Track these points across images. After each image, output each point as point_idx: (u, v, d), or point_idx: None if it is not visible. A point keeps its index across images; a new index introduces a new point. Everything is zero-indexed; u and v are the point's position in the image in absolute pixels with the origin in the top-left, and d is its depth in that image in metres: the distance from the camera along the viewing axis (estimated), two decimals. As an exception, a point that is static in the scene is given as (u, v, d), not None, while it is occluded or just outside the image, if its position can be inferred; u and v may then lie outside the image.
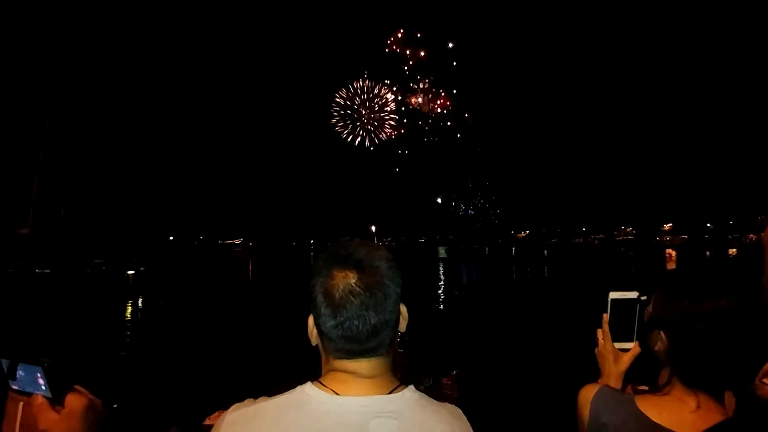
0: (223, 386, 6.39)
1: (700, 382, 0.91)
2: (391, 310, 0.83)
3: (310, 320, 0.86)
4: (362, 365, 0.84)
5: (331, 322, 0.81)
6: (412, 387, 0.86)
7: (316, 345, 0.89)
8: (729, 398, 0.90)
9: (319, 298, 0.82)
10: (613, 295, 1.11)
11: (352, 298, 0.80)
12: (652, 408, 0.92)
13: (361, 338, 0.81)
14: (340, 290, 0.81)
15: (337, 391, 0.81)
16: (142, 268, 23.03)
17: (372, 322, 0.81)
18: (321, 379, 0.85)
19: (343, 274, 0.81)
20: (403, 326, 0.89)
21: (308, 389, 0.83)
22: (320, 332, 0.84)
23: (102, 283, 20.44)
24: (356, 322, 0.80)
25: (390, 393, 0.83)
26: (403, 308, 0.88)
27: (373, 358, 0.84)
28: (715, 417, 0.87)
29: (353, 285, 0.81)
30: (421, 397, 0.85)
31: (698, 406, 0.89)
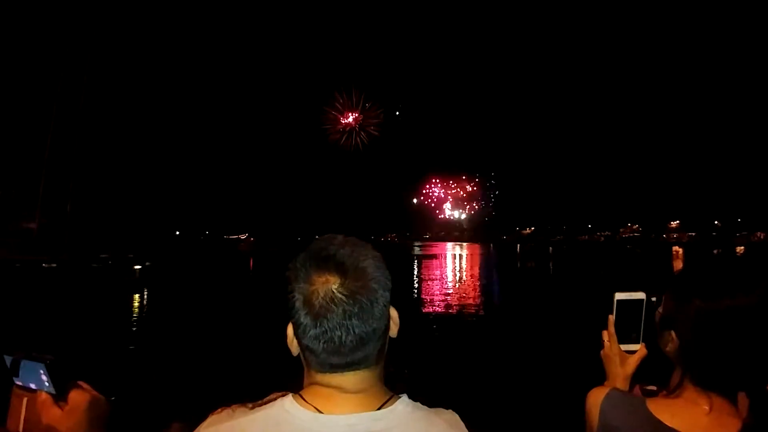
0: (227, 382, 6.44)
1: (713, 383, 0.88)
2: (378, 317, 0.74)
3: (290, 329, 0.78)
4: (348, 379, 0.75)
5: (312, 333, 0.72)
6: (405, 398, 0.78)
7: (298, 355, 0.80)
8: (742, 400, 0.87)
9: (298, 306, 0.73)
10: (619, 295, 1.08)
11: (333, 306, 0.71)
12: (664, 411, 0.90)
13: (345, 350, 0.73)
14: (320, 297, 0.72)
15: (320, 409, 0.73)
16: (148, 263, 23.16)
17: (356, 331, 0.72)
18: (303, 393, 0.77)
19: (324, 278, 0.72)
20: (394, 332, 0.82)
21: (289, 405, 0.75)
22: (300, 343, 0.76)
23: (108, 278, 20.58)
24: (339, 333, 0.71)
25: (379, 408, 0.75)
26: (394, 312, 0.80)
27: (359, 371, 0.76)
28: (728, 419, 0.85)
29: (335, 291, 0.71)
30: (416, 409, 0.77)
31: (711, 409, 0.87)
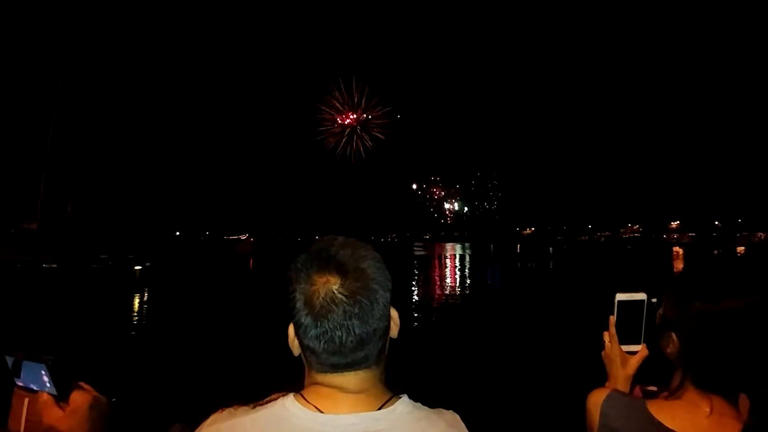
0: (227, 383, 6.43)
1: (714, 385, 0.88)
2: (378, 317, 0.75)
3: (291, 330, 0.78)
4: (348, 379, 0.76)
5: (312, 333, 0.73)
6: (405, 398, 0.79)
7: (299, 355, 0.81)
8: (743, 402, 0.87)
9: (299, 306, 0.74)
10: (620, 296, 1.08)
11: (333, 306, 0.72)
12: (664, 413, 0.89)
13: (345, 350, 0.73)
14: (320, 298, 0.73)
15: (320, 408, 0.74)
16: (148, 264, 23.13)
17: (357, 332, 0.73)
18: (304, 393, 0.77)
19: (324, 279, 0.73)
20: (394, 332, 0.82)
21: (289, 404, 0.76)
22: (301, 344, 0.77)
23: (108, 279, 20.58)
24: (339, 333, 0.72)
25: (380, 408, 0.76)
26: (394, 312, 0.81)
27: (360, 371, 0.77)
28: (729, 421, 0.85)
29: (335, 291, 0.72)
30: (416, 409, 0.78)
31: (712, 411, 0.86)
